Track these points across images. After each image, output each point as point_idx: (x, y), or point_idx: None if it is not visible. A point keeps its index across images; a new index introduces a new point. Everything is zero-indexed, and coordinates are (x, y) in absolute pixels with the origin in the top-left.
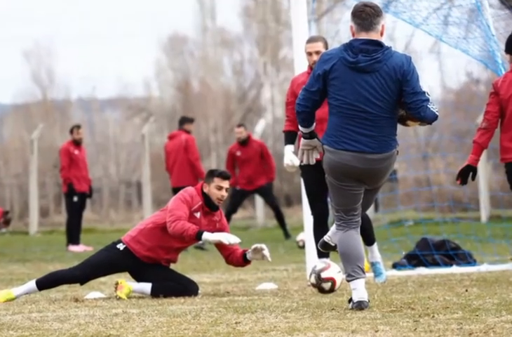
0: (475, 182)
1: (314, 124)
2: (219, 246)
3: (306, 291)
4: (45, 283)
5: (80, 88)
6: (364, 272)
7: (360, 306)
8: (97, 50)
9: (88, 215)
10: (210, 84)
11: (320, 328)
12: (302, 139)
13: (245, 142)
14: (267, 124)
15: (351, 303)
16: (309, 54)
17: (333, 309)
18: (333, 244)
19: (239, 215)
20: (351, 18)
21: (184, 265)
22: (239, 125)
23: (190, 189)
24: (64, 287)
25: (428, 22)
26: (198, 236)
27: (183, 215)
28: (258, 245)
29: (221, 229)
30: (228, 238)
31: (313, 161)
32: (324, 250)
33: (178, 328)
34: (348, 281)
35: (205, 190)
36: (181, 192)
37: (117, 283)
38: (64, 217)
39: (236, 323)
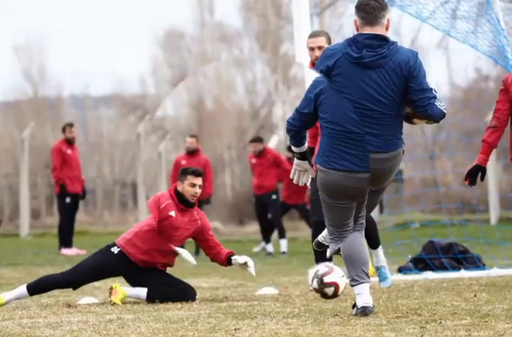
0: (484, 183)
1: (306, 145)
2: (203, 244)
3: (308, 296)
4: (37, 288)
5: (73, 84)
6: (369, 277)
7: (364, 312)
8: (90, 46)
9: (81, 217)
10: (224, 103)
11: (323, 334)
12: (295, 159)
13: (260, 154)
14: (280, 140)
15: (355, 309)
16: (311, 49)
17: (336, 315)
18: (327, 244)
19: (253, 228)
20: (355, 12)
21: (182, 269)
22: (252, 140)
23: (159, 192)
24: (56, 292)
25: (436, 16)
26: None
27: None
28: (246, 261)
29: (202, 228)
30: (187, 257)
31: (302, 183)
32: (319, 249)
33: (175, 335)
34: (352, 285)
35: (179, 188)
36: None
37: (111, 289)
38: (57, 219)
39: (235, 329)
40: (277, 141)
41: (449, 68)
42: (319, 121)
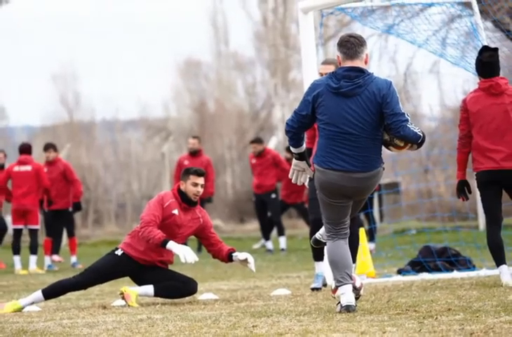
0: (472, 194)
1: (304, 146)
2: (205, 241)
3: (317, 296)
4: (51, 292)
5: (104, 110)
6: (351, 279)
7: (348, 309)
8: (118, 74)
9: (112, 228)
10: (225, 105)
11: (331, 330)
12: (293, 159)
13: (260, 154)
14: (279, 141)
15: (339, 306)
16: (321, 75)
17: (343, 312)
18: (324, 241)
19: (253, 225)
20: (337, 48)
21: (203, 273)
22: (252, 141)
23: (162, 191)
24: (92, 295)
25: (429, 43)
26: (163, 244)
27: (152, 220)
28: (247, 258)
29: (204, 226)
30: (186, 255)
31: (300, 183)
32: (316, 246)
33: (199, 332)
34: (337, 286)
35: (182, 188)
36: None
37: (122, 293)
38: (89, 231)
39: (253, 326)
40: (276, 142)
41: (440, 90)
42: (317, 122)
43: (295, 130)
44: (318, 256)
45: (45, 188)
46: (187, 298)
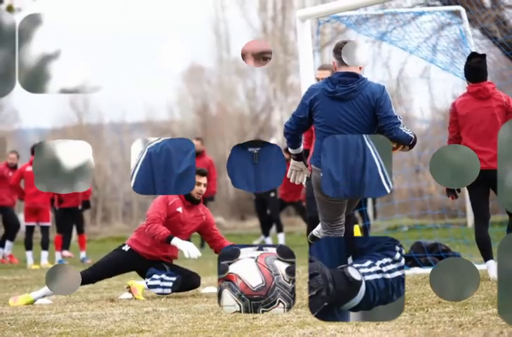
0: (462, 192)
1: (301, 147)
2: (207, 238)
3: None
4: None
5: (111, 113)
6: None
7: None
8: (125, 79)
9: (119, 225)
10: (226, 108)
11: (327, 322)
12: (292, 159)
13: None
14: (278, 143)
15: None
16: (317, 80)
17: None
18: (320, 237)
19: (253, 223)
20: (333, 55)
21: (206, 268)
22: None
23: None
24: (101, 289)
25: (420, 50)
26: (168, 240)
27: (157, 218)
28: None
29: (207, 223)
30: (190, 251)
31: (298, 182)
32: (313, 243)
33: (202, 324)
34: None
35: None
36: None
37: (129, 287)
38: (97, 228)
39: (253, 318)
40: (275, 143)
41: (431, 95)
42: (314, 125)
43: (293, 132)
44: None
45: None
46: (191, 291)
